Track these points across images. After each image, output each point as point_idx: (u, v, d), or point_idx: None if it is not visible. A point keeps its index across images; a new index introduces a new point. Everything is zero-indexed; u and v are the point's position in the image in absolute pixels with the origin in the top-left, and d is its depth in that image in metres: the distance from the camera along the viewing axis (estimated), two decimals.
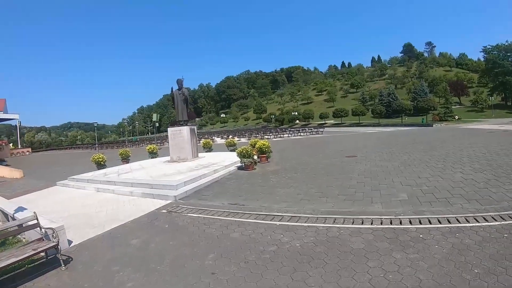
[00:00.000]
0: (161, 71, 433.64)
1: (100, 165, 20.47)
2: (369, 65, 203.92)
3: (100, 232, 7.59)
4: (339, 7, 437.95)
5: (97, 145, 54.94)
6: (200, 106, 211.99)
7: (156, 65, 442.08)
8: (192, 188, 11.18)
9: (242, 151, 14.38)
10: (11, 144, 71.23)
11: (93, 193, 13.14)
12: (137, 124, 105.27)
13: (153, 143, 41.39)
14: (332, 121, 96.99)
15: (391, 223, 6.44)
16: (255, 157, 15.52)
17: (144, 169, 17.23)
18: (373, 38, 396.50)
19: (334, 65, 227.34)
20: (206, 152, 24.83)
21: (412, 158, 14.18)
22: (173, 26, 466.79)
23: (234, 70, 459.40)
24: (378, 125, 70.95)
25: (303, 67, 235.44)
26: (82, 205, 10.81)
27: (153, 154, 24.30)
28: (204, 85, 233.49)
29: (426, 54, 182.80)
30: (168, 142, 20.17)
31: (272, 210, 7.99)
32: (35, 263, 5.97)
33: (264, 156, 16.50)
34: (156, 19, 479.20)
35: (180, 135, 18.93)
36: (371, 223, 6.53)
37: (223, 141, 45.71)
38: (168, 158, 19.85)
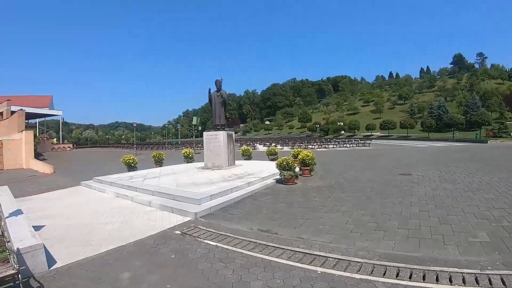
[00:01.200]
0: (208, 75, 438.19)
1: (131, 167, 19.69)
2: (418, 76, 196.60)
3: (93, 254, 6.10)
4: (387, 17, 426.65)
5: (135, 146, 54.70)
6: (245, 112, 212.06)
7: (203, 68, 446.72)
8: (219, 203, 9.51)
9: (282, 162, 12.57)
10: (55, 139, 73.24)
11: (111, 198, 12.10)
12: (179, 127, 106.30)
13: (192, 147, 40.49)
14: (378, 133, 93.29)
15: (477, 283, 4.37)
16: (297, 169, 13.75)
17: (173, 174, 15.96)
18: (422, 48, 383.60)
19: (382, 76, 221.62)
20: (245, 160, 23.28)
21: (477, 181, 11.73)
22: (223, 30, 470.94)
23: (280, 77, 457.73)
24: (428, 139, 67.13)
25: (349, 76, 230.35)
26: (93, 212, 9.66)
27: (188, 159, 22.99)
28: (250, 91, 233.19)
29: (477, 66, 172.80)
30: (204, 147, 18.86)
31: (313, 245, 6.05)
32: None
33: (307, 169, 14.64)
34: (209, 23, 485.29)
35: (216, 141, 17.54)
36: (450, 281, 4.48)
37: (265, 148, 44.02)
38: (203, 164, 18.48)
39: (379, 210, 8.24)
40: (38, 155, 38.47)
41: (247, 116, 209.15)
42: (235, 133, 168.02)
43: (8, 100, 44.06)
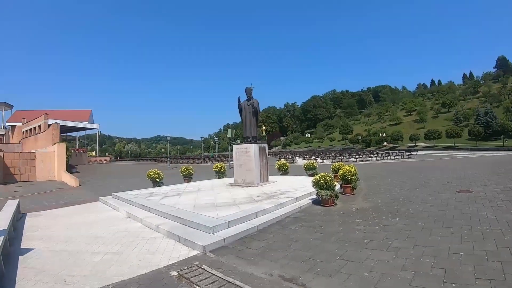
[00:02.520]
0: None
1: (156, 182, 18.43)
2: (461, 82, 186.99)
3: None
4: (426, 24, 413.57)
5: (169, 159, 54.04)
6: (286, 125, 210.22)
7: (242, 80, 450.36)
8: (238, 232, 7.71)
9: (320, 180, 10.70)
10: (93, 152, 74.93)
11: (122, 218, 10.82)
12: (217, 140, 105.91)
13: (228, 161, 39.06)
14: (423, 144, 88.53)
15: None
16: (337, 187, 11.88)
17: (198, 192, 14.50)
18: (463, 53, 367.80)
19: (423, 84, 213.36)
20: (280, 175, 21.58)
21: None
22: (263, 41, 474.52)
23: (320, 89, 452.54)
24: (476, 148, 62.47)
25: (390, 86, 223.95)
26: (91, 237, 8.39)
27: (220, 174, 21.52)
28: (290, 104, 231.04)
29: None
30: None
31: None
32: None
33: (349, 187, 12.66)
34: (250, 34, 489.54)
35: (246, 155, 16.01)
36: None
37: (304, 162, 42.08)
38: (233, 180, 16.97)
39: (443, 246, 6.15)
40: (71, 168, 39.22)
41: (288, 129, 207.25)
42: (275, 146, 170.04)
43: (46, 113, 45.03)
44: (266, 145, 17.35)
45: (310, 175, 20.12)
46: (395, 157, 43.14)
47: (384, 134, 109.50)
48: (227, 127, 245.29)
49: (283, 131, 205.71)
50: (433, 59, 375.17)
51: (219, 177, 21.25)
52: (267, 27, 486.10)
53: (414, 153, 44.38)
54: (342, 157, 45.81)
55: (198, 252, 6.71)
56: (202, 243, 6.82)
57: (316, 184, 10.86)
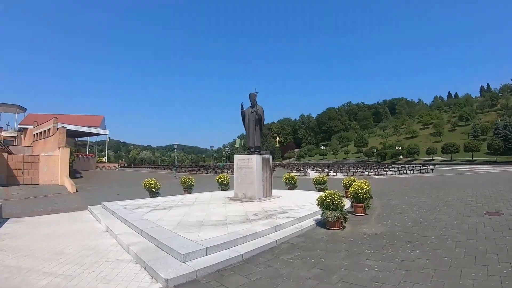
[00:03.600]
0: (261, 99, 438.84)
1: (152, 192, 17.27)
2: (478, 94, 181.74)
3: None
4: (443, 36, 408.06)
5: (175, 168, 52.78)
6: (300, 137, 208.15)
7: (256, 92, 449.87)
8: (216, 262, 6.17)
9: (325, 199, 9.16)
10: (104, 158, 74.95)
11: (99, 232, 9.80)
12: (228, 150, 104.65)
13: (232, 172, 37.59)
14: (440, 158, 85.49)
15: None
16: (347, 204, 10.36)
17: (192, 206, 13.28)
18: (481, 65, 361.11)
19: (440, 96, 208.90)
20: (288, 189, 20.04)
21: None
22: (279, 52, 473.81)
23: (336, 101, 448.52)
24: (496, 163, 59.68)
25: (406, 98, 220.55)
26: (56, 252, 7.42)
27: (223, 186, 20.16)
28: (305, 115, 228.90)
29: None
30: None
31: None
32: None
33: (361, 206, 11.06)
34: (265, 47, 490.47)
35: (248, 166, 14.64)
36: None
37: (316, 175, 40.33)
38: (233, 193, 15.63)
39: None
40: (75, 173, 38.80)
41: (302, 141, 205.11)
42: (289, 158, 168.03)
43: (55, 117, 44.88)
44: (270, 157, 15.85)
45: (319, 190, 18.49)
46: (412, 172, 40.98)
47: (400, 147, 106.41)
48: (241, 137, 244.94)
49: (298, 143, 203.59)
50: (450, 71, 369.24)
51: (222, 189, 19.86)
52: (284, 39, 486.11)
53: (431, 167, 42.15)
54: (356, 170, 43.79)
55: (161, 286, 5.29)
56: (165, 276, 5.36)
57: (321, 203, 9.30)
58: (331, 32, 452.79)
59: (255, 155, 14.59)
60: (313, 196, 15.52)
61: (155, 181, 17.91)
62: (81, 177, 38.98)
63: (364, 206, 11.05)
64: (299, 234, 8.75)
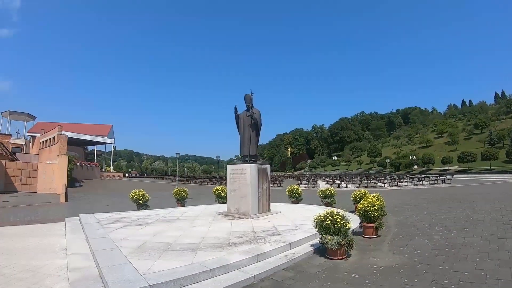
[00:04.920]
0: (274, 110, 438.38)
1: (139, 204, 16.02)
2: (493, 101, 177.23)
3: None
4: (455, 43, 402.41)
5: (178, 179, 50.99)
6: (313, 148, 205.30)
7: (270, 103, 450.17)
8: None
9: (324, 220, 7.19)
10: (111, 167, 74.23)
11: (56, 250, 8.25)
12: (235, 160, 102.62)
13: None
14: (456, 167, 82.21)
15: None
16: (354, 225, 8.40)
17: (173, 222, 11.74)
18: (494, 71, 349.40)
19: (454, 104, 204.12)
20: (292, 202, 18.09)
21: None
22: (289, 67, 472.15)
23: (348, 111, 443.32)
24: None
25: (420, 107, 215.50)
26: None
27: (220, 198, 18.08)
28: (318, 126, 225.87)
29: None
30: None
31: None
32: None
33: (371, 227, 9.03)
34: (275, 57, 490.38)
35: (241, 178, 12.80)
36: None
37: (327, 186, 38.13)
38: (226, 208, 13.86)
39: None
40: (74, 181, 37.72)
41: (315, 152, 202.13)
42: (301, 169, 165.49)
43: (60, 125, 43.86)
44: (268, 167, 13.90)
45: (326, 204, 16.47)
46: (428, 182, 38.41)
47: (414, 157, 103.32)
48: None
49: (310, 153, 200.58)
50: (463, 79, 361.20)
51: (219, 202, 17.95)
52: (296, 50, 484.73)
53: (449, 177, 39.53)
54: (369, 181, 41.40)
55: None
56: None
57: (319, 225, 7.31)
58: (343, 43, 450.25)
59: (250, 164, 12.69)
60: (318, 212, 13.51)
61: (143, 192, 16.42)
62: (80, 186, 38.16)
63: (376, 226, 9.00)
64: (288, 265, 6.76)
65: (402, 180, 41.42)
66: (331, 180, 46.27)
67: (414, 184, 37.87)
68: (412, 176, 45.54)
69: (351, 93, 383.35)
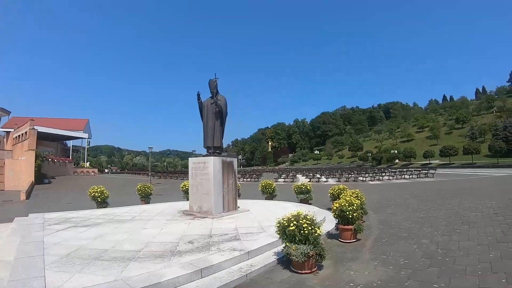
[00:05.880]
0: (257, 105, 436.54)
1: (98, 202, 14.76)
2: (473, 97, 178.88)
3: None
4: (437, 40, 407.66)
5: (150, 173, 49.00)
6: (295, 142, 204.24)
7: (251, 98, 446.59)
8: None
9: (288, 225, 5.76)
10: (87, 163, 71.92)
11: None
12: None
13: None
14: (437, 161, 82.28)
15: None
16: (330, 225, 6.99)
17: (124, 223, 10.26)
18: (475, 68, 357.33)
19: (435, 99, 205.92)
20: (265, 199, 16.72)
21: None
22: (270, 60, 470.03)
23: (330, 106, 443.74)
24: (498, 165, 56.62)
25: (401, 102, 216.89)
26: None
27: (187, 195, 16.58)
28: (300, 120, 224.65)
29: None
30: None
31: None
32: None
33: (349, 230, 7.63)
34: (257, 51, 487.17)
35: (203, 172, 11.35)
36: None
37: (306, 180, 36.87)
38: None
39: None
40: (43, 178, 35.89)
41: (297, 146, 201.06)
42: (283, 163, 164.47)
43: (32, 120, 41.39)
44: (234, 159, 12.40)
45: (302, 201, 15.12)
46: (411, 176, 37.54)
47: (396, 151, 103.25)
48: (235, 142, 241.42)
49: (292, 147, 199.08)
50: (445, 75, 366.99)
51: (187, 199, 16.36)
52: (278, 44, 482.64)
53: (432, 171, 38.78)
54: (350, 175, 40.27)
55: None
56: None
57: (281, 232, 5.87)
58: (325, 37, 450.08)
59: (213, 157, 11.18)
60: (292, 209, 12.20)
61: (102, 189, 15.05)
62: (49, 182, 36.10)
63: (354, 229, 7.59)
64: (241, 282, 5.33)
65: (383, 174, 40.47)
66: (310, 174, 44.96)
67: (396, 178, 36.94)
68: (394, 170, 44.70)
69: (333, 88, 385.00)
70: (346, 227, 7.61)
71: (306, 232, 5.48)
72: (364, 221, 10.11)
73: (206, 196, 11.20)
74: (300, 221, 5.61)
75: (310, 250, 5.49)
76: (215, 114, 11.85)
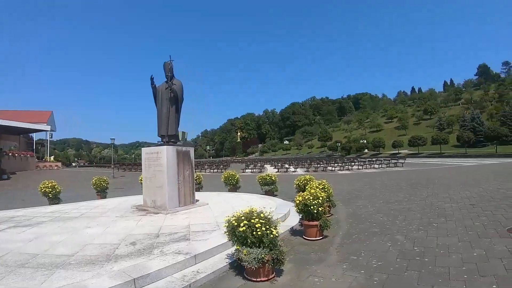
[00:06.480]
0: (227, 95, 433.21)
1: (50, 198, 13.65)
2: (441, 89, 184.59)
3: None
4: (405, 32, 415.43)
5: (113, 166, 47.11)
6: (264, 132, 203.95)
7: (221, 89, 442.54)
8: None
9: (238, 225, 4.75)
10: (52, 157, 68.90)
11: None
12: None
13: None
14: (406, 151, 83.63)
15: None
16: (294, 221, 6.35)
17: (72, 221, 9.19)
18: (444, 61, 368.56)
19: (404, 91, 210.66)
20: (229, 190, 15.77)
21: None
22: (241, 51, 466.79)
23: (300, 96, 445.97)
24: (467, 155, 57.80)
25: (370, 93, 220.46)
26: None
27: None
28: (269, 110, 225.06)
29: (503, 75, 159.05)
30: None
31: None
32: None
33: (314, 226, 6.72)
34: (226, 40, 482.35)
35: (157, 163, 10.31)
36: None
37: (275, 171, 36.06)
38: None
39: None
40: (2, 173, 34.50)
41: (266, 136, 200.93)
42: (252, 153, 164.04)
43: None
44: (191, 149, 11.29)
45: (266, 192, 14.17)
46: (380, 166, 37.43)
47: (365, 141, 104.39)
48: (204, 133, 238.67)
49: (262, 138, 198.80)
50: (413, 67, 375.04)
51: None
52: (248, 33, 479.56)
53: (401, 161, 38.81)
54: (319, 165, 39.72)
55: None
56: None
57: (231, 233, 4.85)
58: (294, 27, 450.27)
59: (166, 146, 10.07)
60: (255, 203, 11.27)
61: (54, 184, 13.96)
62: (8, 178, 33.95)
63: (320, 225, 6.67)
64: None
65: (353, 163, 40.18)
66: (279, 165, 44.18)
67: (366, 168, 36.72)
68: (363, 160, 44.47)
69: (302, 79, 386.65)
70: (310, 223, 6.69)
71: (259, 233, 4.50)
72: (332, 214, 9.29)
73: (159, 189, 10.11)
74: (253, 220, 4.61)
75: (265, 254, 4.51)
76: (170, 100, 10.73)
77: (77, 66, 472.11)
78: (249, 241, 4.56)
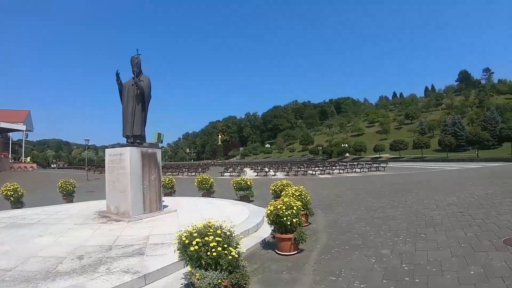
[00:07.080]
0: (209, 98, 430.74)
1: (12, 202, 12.94)
2: (423, 95, 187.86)
3: None
4: (388, 38, 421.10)
5: (87, 168, 45.62)
6: (246, 136, 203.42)
7: (203, 91, 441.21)
8: None
9: (190, 243, 3.84)
10: (28, 158, 66.70)
11: None
12: (166, 148, 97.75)
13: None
14: (387, 155, 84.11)
15: None
16: (266, 232, 5.65)
17: (24, 228, 8.41)
18: (425, 67, 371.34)
19: (385, 96, 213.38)
20: (202, 195, 14.92)
21: None
22: (224, 51, 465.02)
23: (282, 100, 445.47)
24: (448, 159, 58.35)
25: (352, 98, 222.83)
26: None
27: None
28: (251, 114, 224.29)
29: (484, 81, 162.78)
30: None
31: None
32: None
33: (288, 240, 5.89)
34: (210, 43, 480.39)
35: (120, 165, 9.46)
36: None
37: (254, 174, 35.26)
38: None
39: None
40: None
41: (248, 139, 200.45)
42: (233, 157, 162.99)
43: None
44: (158, 151, 10.38)
45: (241, 198, 13.33)
46: (362, 170, 36.99)
47: (346, 145, 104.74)
48: (186, 135, 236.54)
49: (243, 141, 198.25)
50: (395, 72, 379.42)
51: None
52: (229, 35, 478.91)
53: (383, 165, 38.51)
54: (299, 169, 39.06)
55: None
56: None
57: (182, 252, 3.99)
58: (277, 29, 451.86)
59: (130, 147, 9.16)
60: (227, 210, 10.44)
61: (16, 186, 13.19)
62: None
63: (295, 238, 5.84)
64: None
65: (334, 167, 39.67)
66: (258, 168, 43.36)
67: (347, 172, 36.26)
68: (345, 164, 44.10)
69: (285, 82, 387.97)
70: (283, 236, 5.84)
71: (214, 254, 3.64)
72: (309, 223, 8.51)
73: (123, 194, 9.18)
74: (207, 238, 3.74)
75: (223, 279, 3.66)
76: (136, 97, 9.82)
77: (71, 66, 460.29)
78: (203, 263, 3.71)
